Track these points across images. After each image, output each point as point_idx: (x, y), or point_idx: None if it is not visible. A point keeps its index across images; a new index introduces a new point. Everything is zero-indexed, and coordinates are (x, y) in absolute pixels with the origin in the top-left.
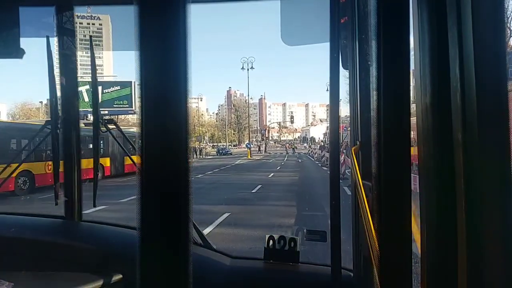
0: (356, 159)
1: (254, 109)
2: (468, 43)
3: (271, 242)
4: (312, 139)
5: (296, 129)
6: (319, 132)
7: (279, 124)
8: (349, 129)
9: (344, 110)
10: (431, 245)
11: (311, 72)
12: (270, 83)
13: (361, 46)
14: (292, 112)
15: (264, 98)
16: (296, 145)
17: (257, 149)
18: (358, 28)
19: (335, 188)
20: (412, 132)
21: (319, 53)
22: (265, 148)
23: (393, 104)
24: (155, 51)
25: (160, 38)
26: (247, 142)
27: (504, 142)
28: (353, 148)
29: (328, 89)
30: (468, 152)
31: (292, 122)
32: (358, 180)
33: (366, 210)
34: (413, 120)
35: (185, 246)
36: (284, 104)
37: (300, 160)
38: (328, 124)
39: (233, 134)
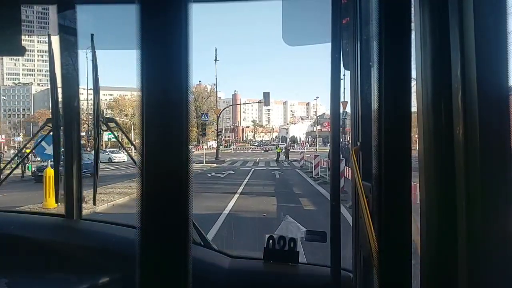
0: (357, 160)
1: (223, 102)
2: (469, 44)
3: (270, 242)
4: (293, 138)
5: (274, 129)
6: (299, 131)
7: (253, 122)
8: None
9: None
10: (431, 245)
11: (290, 69)
12: (245, 80)
13: (363, 47)
14: (269, 110)
15: (238, 94)
16: (288, 147)
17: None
18: (360, 29)
19: (335, 188)
20: (413, 133)
21: (299, 50)
22: (217, 153)
23: (394, 105)
24: (156, 50)
25: (161, 37)
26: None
27: (505, 143)
28: (353, 149)
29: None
30: (469, 152)
31: (266, 104)
32: (358, 180)
33: (366, 211)
34: (414, 121)
35: (185, 246)
36: (260, 101)
37: None
38: (330, 124)
39: (193, 131)
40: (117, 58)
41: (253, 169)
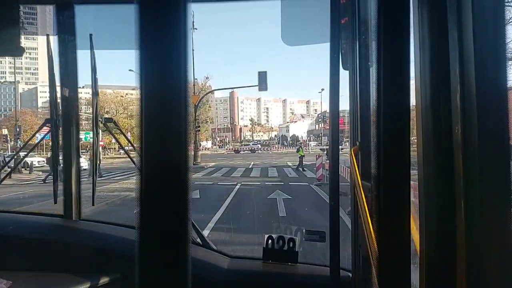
0: (356, 160)
1: (220, 101)
2: (468, 44)
3: (270, 242)
4: (294, 137)
5: (273, 128)
6: (300, 129)
7: (251, 121)
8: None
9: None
10: (430, 245)
11: (289, 68)
12: (244, 79)
13: (361, 46)
14: (267, 109)
15: (235, 92)
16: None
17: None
18: (359, 29)
19: (335, 189)
20: (411, 133)
21: (299, 49)
22: (195, 156)
23: (393, 105)
24: (155, 50)
25: (160, 37)
26: None
27: (503, 143)
28: (352, 149)
29: (328, 89)
30: (468, 152)
31: (263, 89)
32: (358, 180)
33: (365, 211)
34: (413, 120)
35: (184, 246)
36: (258, 99)
37: None
38: (330, 124)
39: None
40: (105, 56)
41: (238, 186)
